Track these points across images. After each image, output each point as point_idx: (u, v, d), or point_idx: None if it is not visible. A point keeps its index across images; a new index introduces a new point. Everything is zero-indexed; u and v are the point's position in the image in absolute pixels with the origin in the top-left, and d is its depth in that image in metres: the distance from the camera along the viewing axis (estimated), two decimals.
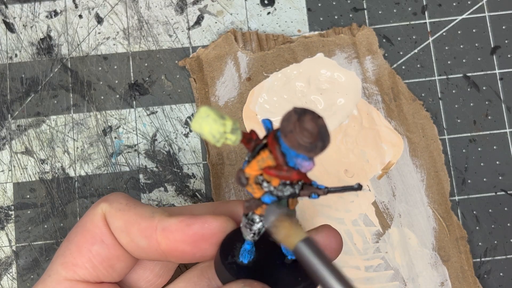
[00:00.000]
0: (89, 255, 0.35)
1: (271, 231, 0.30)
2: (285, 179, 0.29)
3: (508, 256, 0.47)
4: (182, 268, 0.43)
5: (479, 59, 0.50)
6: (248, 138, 0.29)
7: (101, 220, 0.35)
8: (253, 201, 0.30)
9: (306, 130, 0.26)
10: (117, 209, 0.35)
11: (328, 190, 0.30)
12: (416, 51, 0.50)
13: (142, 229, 0.34)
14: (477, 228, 0.47)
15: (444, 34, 0.50)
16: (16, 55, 0.49)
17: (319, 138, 0.27)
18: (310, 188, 0.30)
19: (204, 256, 0.34)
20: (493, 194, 0.48)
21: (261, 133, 0.30)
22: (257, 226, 0.32)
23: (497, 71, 0.49)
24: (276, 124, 0.28)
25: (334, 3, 0.50)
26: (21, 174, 0.47)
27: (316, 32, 0.50)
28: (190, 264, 0.40)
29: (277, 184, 0.30)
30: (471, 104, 0.49)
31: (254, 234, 0.32)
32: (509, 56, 0.49)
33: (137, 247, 0.35)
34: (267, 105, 0.48)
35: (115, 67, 0.49)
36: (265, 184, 0.29)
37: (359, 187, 0.30)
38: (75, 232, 0.36)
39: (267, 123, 0.30)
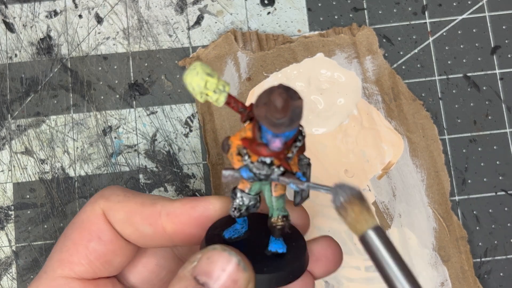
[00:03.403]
0: (86, 252, 0.34)
1: (339, 212, 0.28)
2: (254, 152, 0.29)
3: (508, 256, 0.47)
4: None
5: (479, 59, 0.49)
6: (242, 108, 0.29)
7: (99, 216, 0.35)
8: (231, 171, 0.30)
9: (273, 104, 0.26)
10: (116, 201, 0.35)
11: (308, 185, 0.29)
12: (416, 51, 0.50)
13: (145, 217, 0.34)
14: (477, 228, 0.47)
15: (444, 34, 0.50)
16: (16, 55, 0.49)
17: (288, 116, 0.26)
18: (290, 176, 0.29)
19: None
20: (493, 194, 0.48)
21: None
22: (236, 201, 0.31)
23: (497, 71, 0.49)
24: None
25: (334, 3, 0.50)
26: (21, 174, 0.47)
27: (316, 32, 0.50)
28: None
29: (255, 160, 0.29)
30: (471, 104, 0.49)
31: (234, 209, 0.31)
32: (509, 56, 0.49)
33: (142, 235, 0.34)
34: None
35: (115, 67, 0.49)
36: (246, 157, 0.29)
37: (334, 192, 0.29)
38: (71, 228, 0.35)
39: None
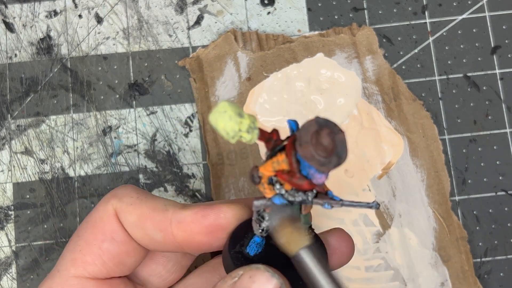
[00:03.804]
0: (99, 252, 0.35)
1: (273, 235, 0.29)
2: (296, 186, 0.28)
3: (508, 256, 0.47)
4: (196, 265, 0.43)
5: (479, 59, 0.49)
6: (268, 137, 0.28)
7: (112, 217, 0.35)
8: (263, 201, 0.30)
9: (321, 144, 0.25)
10: (129, 203, 0.35)
11: (342, 203, 0.29)
12: (416, 51, 0.50)
13: (156, 223, 0.34)
14: (477, 228, 0.47)
15: (444, 34, 0.50)
16: (15, 55, 0.49)
17: (335, 154, 0.26)
18: (324, 197, 0.29)
19: (221, 246, 0.34)
20: (494, 194, 0.48)
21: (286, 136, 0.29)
22: (266, 223, 0.31)
23: (497, 71, 0.49)
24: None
25: (334, 3, 0.50)
26: (20, 174, 0.47)
27: (316, 32, 0.50)
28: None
29: (289, 188, 0.29)
30: (472, 104, 0.49)
31: (262, 230, 0.32)
32: (509, 56, 0.49)
33: (152, 240, 0.34)
34: (267, 105, 0.48)
35: (115, 67, 0.49)
36: (277, 186, 0.29)
37: (376, 206, 0.29)
38: (85, 228, 0.36)
39: (292, 124, 0.29)
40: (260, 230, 0.32)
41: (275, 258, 0.33)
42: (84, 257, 0.35)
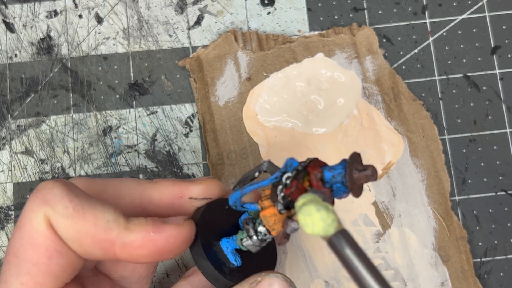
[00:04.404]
0: (49, 269, 0.31)
1: (301, 221, 0.28)
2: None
3: (508, 256, 0.47)
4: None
5: (479, 59, 0.49)
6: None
7: (48, 229, 0.31)
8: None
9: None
10: (64, 216, 0.31)
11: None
12: (416, 51, 0.50)
13: (97, 242, 0.31)
14: (477, 228, 0.47)
15: (444, 34, 0.50)
16: (16, 55, 0.49)
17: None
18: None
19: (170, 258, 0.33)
20: (493, 194, 0.48)
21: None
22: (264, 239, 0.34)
23: (497, 71, 0.49)
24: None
25: (334, 3, 0.50)
26: (21, 174, 0.47)
27: (316, 32, 0.50)
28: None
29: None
30: (471, 104, 0.49)
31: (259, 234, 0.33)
32: (509, 56, 0.49)
33: (91, 256, 0.32)
34: (267, 105, 0.48)
35: (115, 67, 0.49)
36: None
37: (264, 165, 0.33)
38: (22, 246, 0.32)
39: (294, 163, 0.32)
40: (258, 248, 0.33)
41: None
42: (35, 278, 0.31)
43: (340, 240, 0.27)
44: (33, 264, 0.31)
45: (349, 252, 0.27)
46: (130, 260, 0.32)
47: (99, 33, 0.50)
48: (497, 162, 0.48)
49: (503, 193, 0.48)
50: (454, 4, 0.50)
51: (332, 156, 0.47)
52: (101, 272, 0.37)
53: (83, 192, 0.32)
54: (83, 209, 0.31)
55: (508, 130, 0.48)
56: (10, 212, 0.47)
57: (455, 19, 0.50)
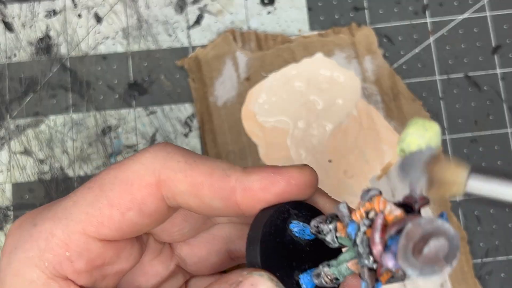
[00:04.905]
0: (120, 219, 0.30)
1: (432, 179, 0.25)
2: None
3: (509, 257, 0.47)
4: None
5: (480, 58, 0.49)
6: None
7: (149, 185, 0.30)
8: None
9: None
10: (177, 170, 0.30)
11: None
12: (417, 50, 0.50)
13: (215, 191, 0.30)
14: (478, 228, 0.47)
15: (445, 33, 0.50)
16: (15, 55, 0.49)
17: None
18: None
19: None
20: None
21: None
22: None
23: (498, 71, 0.49)
24: None
25: (334, 3, 0.50)
26: (20, 174, 0.47)
27: (315, 32, 0.49)
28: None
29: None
30: (472, 104, 0.49)
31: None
32: (510, 55, 0.49)
33: (210, 208, 0.31)
34: (266, 105, 0.48)
35: (114, 67, 0.49)
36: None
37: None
38: (112, 184, 0.31)
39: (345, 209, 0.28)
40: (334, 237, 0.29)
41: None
42: (102, 218, 0.30)
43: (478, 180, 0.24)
44: (109, 205, 0.30)
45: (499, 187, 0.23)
46: (251, 206, 0.30)
47: (98, 32, 0.50)
48: (498, 162, 0.48)
49: None
50: (455, 3, 0.50)
51: (331, 157, 0.47)
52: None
53: (188, 149, 0.32)
54: (195, 162, 0.30)
55: (509, 130, 0.48)
56: (9, 213, 0.47)
57: (456, 19, 0.50)
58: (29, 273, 0.30)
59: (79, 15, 0.50)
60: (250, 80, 0.48)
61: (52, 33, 0.50)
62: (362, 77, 0.48)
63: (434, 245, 0.23)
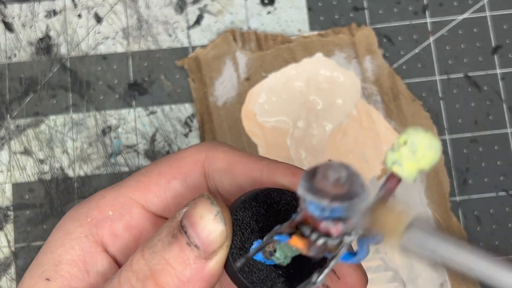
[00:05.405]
0: (166, 186, 0.33)
1: (370, 225, 0.24)
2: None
3: (509, 257, 0.47)
4: None
5: (480, 59, 0.49)
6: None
7: (196, 162, 0.33)
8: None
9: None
10: (221, 151, 0.33)
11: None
12: (417, 50, 0.50)
13: (248, 169, 0.32)
14: (478, 228, 0.47)
15: (445, 33, 0.50)
16: (15, 55, 0.49)
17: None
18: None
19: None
20: (495, 194, 0.47)
21: None
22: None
23: (498, 71, 0.49)
24: None
25: (334, 3, 0.50)
26: (20, 174, 0.47)
27: (315, 32, 0.49)
28: None
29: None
30: (472, 104, 0.49)
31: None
32: (510, 56, 0.49)
33: (238, 189, 0.33)
34: (266, 105, 0.48)
35: (115, 67, 0.49)
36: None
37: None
38: (166, 160, 0.34)
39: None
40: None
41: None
42: (150, 184, 0.33)
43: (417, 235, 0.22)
44: (158, 173, 0.33)
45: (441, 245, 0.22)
46: (274, 184, 0.32)
47: (98, 32, 0.50)
48: (498, 163, 0.48)
49: (504, 193, 0.47)
50: (455, 3, 0.50)
51: (331, 157, 0.47)
52: None
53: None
54: (236, 149, 0.34)
55: (509, 130, 0.48)
56: (9, 213, 0.47)
57: (456, 19, 0.50)
58: (70, 224, 0.33)
59: (79, 15, 0.50)
60: (250, 80, 0.48)
61: (52, 33, 0.50)
62: (362, 77, 0.48)
63: (332, 174, 0.23)
